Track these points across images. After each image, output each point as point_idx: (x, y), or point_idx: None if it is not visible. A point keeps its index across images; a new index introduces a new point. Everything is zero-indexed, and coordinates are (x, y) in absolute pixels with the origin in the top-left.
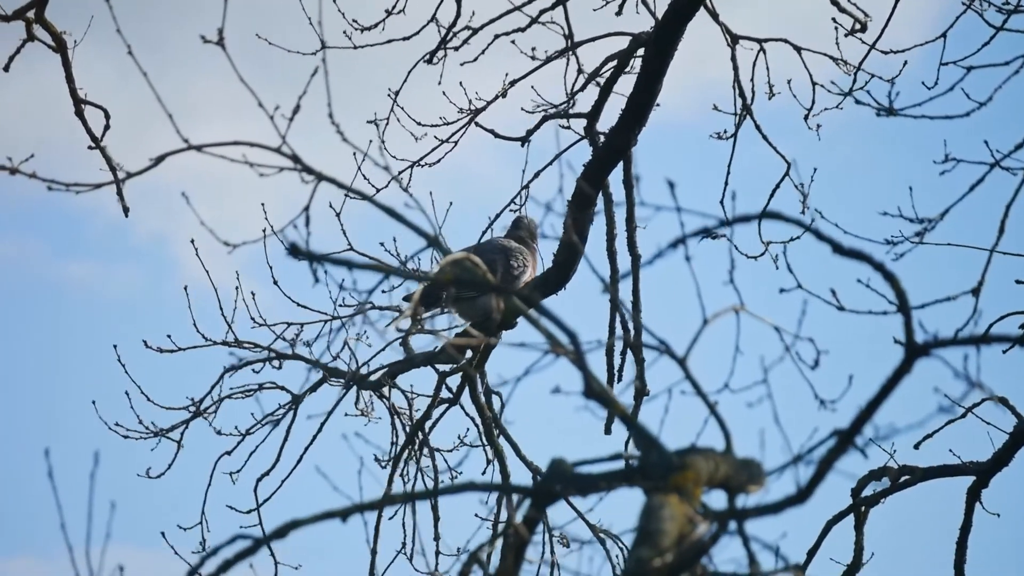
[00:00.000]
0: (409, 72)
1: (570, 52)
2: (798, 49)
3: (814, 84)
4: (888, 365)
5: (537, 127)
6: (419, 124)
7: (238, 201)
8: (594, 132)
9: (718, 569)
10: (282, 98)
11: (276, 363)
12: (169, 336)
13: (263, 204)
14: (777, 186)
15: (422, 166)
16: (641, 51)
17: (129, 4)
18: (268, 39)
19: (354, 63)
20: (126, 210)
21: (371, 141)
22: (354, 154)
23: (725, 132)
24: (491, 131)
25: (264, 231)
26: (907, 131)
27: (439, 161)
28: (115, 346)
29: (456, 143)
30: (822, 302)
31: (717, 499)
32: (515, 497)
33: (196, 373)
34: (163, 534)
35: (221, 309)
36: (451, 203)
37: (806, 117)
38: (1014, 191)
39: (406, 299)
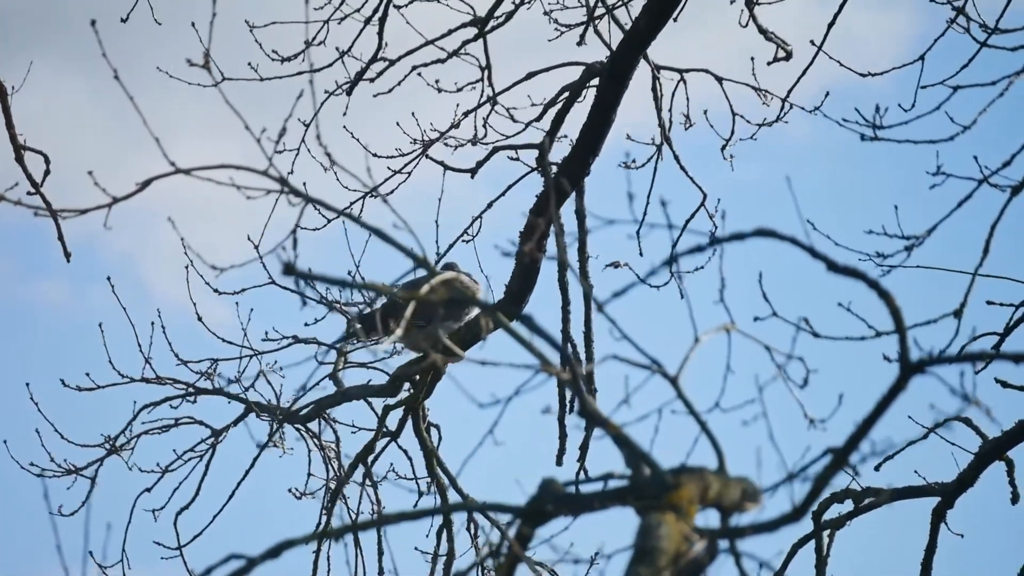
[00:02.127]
0: (321, 104)
1: (484, 81)
2: (719, 79)
3: (734, 114)
4: (882, 382)
5: (487, 158)
6: (374, 155)
7: (200, 223)
8: (546, 163)
9: None
10: (278, 122)
11: (192, 399)
12: (88, 374)
13: (248, 235)
14: (692, 216)
15: (375, 196)
16: (595, 81)
17: (74, 30)
18: (168, 71)
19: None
20: (68, 255)
21: (326, 169)
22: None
23: (634, 161)
24: (440, 163)
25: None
26: (892, 150)
27: (392, 192)
28: (27, 384)
29: (409, 174)
30: (801, 327)
31: (710, 518)
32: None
33: (115, 410)
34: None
35: (139, 345)
36: (437, 224)
37: (723, 148)
38: (1000, 209)
39: (358, 321)
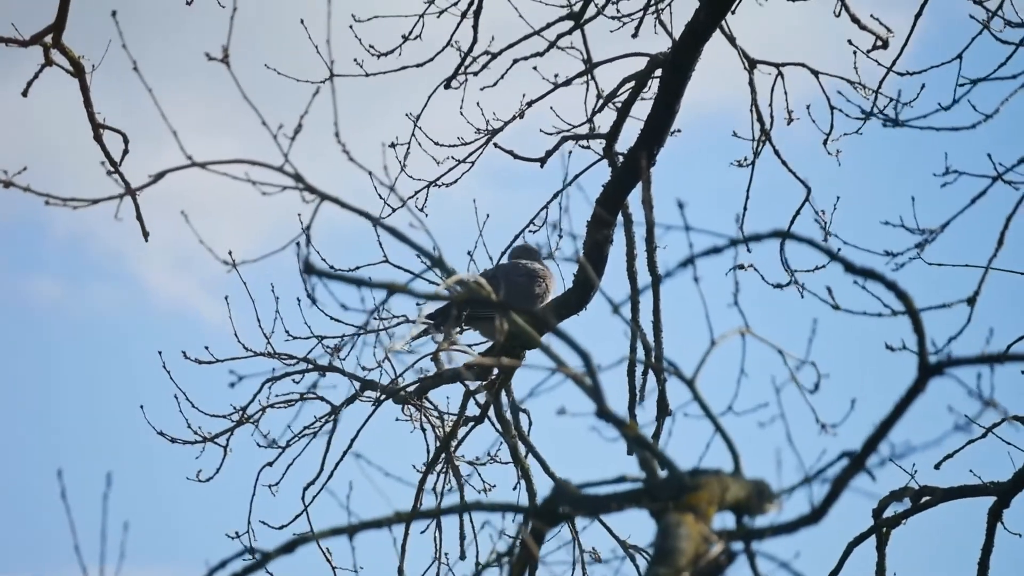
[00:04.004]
0: (429, 97)
1: (589, 75)
2: (815, 73)
3: (832, 108)
4: (901, 384)
5: (556, 148)
6: (436, 144)
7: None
8: (613, 153)
9: None
10: (280, 119)
11: (321, 374)
12: (207, 348)
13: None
14: (798, 212)
15: (439, 186)
16: (658, 72)
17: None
18: (276, 69)
19: (369, 89)
20: (146, 234)
21: (385, 167)
22: (370, 174)
23: (744, 159)
24: (510, 152)
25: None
26: (911, 144)
27: (456, 181)
28: (160, 352)
29: (473, 163)
30: (824, 315)
31: (726, 520)
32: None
33: (223, 390)
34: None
35: (259, 322)
36: (488, 215)
37: (825, 142)
38: (1014, 205)
39: (430, 316)
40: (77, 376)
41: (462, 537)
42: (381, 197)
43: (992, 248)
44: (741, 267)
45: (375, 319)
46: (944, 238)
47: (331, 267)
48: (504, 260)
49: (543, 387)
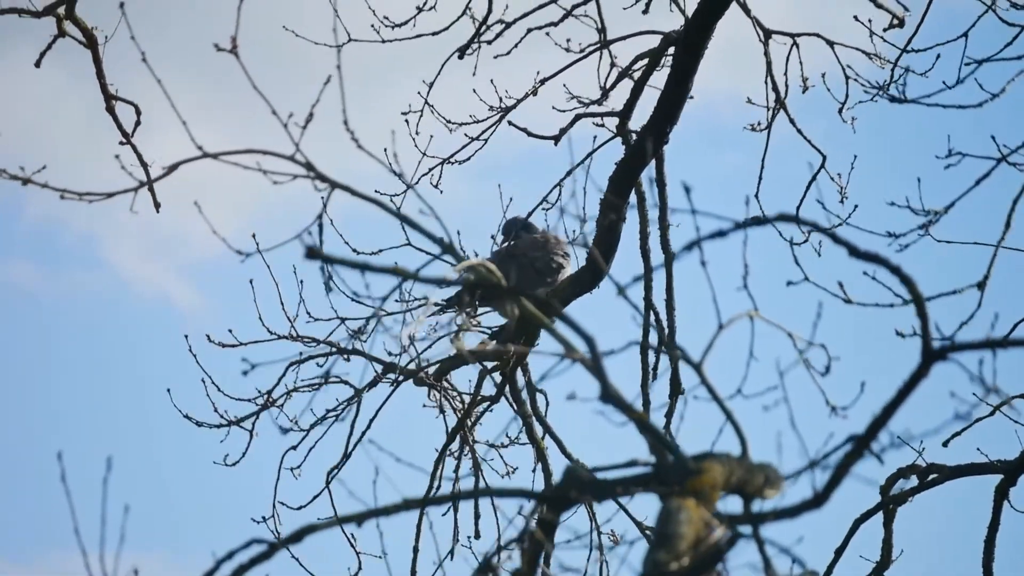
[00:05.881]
0: (443, 64)
1: (603, 47)
2: (831, 44)
3: (847, 78)
4: (904, 365)
5: (570, 125)
6: (448, 122)
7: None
8: (626, 130)
9: (734, 574)
10: (282, 104)
11: (346, 357)
12: (231, 331)
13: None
14: (813, 178)
15: (452, 163)
16: (672, 50)
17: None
18: (294, 30)
19: (381, 61)
20: (157, 205)
21: (385, 149)
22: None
23: (759, 124)
24: (524, 129)
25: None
26: (915, 123)
27: (469, 159)
28: (186, 336)
29: (486, 141)
30: (832, 298)
31: (732, 504)
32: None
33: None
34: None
35: (282, 305)
36: (511, 199)
37: (840, 110)
38: (1021, 186)
39: (448, 299)
40: (66, 360)
41: (476, 516)
42: (398, 176)
43: (997, 230)
44: (759, 220)
45: (395, 300)
46: (948, 220)
47: (353, 250)
48: (499, 235)
49: (555, 371)
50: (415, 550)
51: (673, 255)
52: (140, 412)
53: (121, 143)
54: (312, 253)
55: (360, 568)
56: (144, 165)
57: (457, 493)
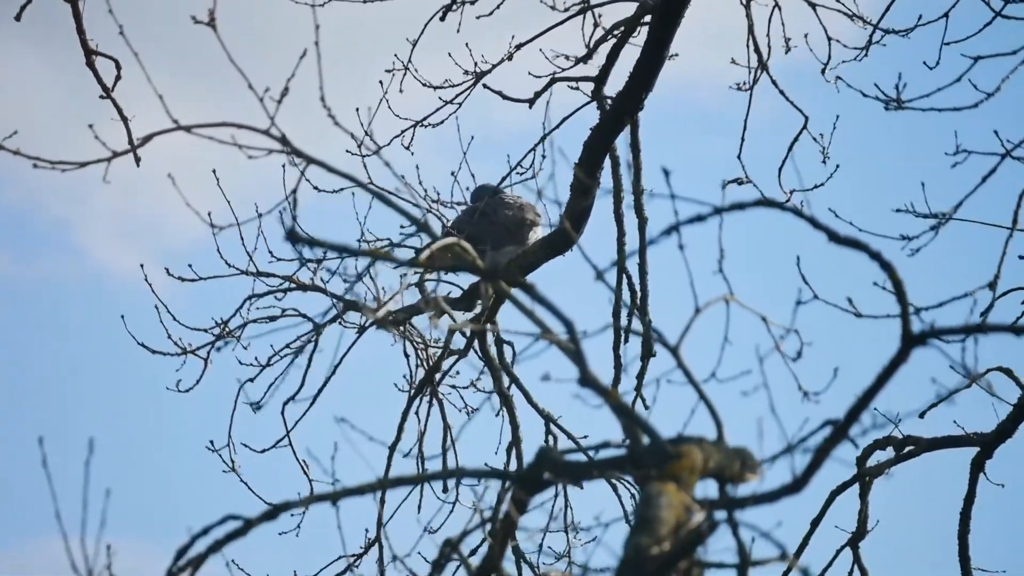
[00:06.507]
0: (426, 24)
1: (587, 8)
2: (812, 5)
3: (829, 39)
4: (886, 353)
5: (545, 89)
6: (424, 85)
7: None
8: (602, 96)
9: (714, 558)
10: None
11: (304, 291)
12: (190, 265)
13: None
14: (795, 139)
15: (425, 126)
16: (648, 17)
17: None
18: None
19: (359, 29)
20: (138, 160)
21: (364, 131)
22: (353, 136)
23: (744, 83)
24: (499, 92)
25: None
26: (914, 124)
27: (442, 122)
28: (141, 265)
29: (460, 104)
30: (815, 283)
31: (709, 488)
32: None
33: (205, 304)
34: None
35: (242, 239)
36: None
37: (823, 71)
38: None
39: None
40: (39, 345)
41: (445, 490)
42: (375, 154)
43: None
44: (739, 181)
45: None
46: (957, 222)
47: (308, 237)
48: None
49: (530, 351)
50: (379, 540)
51: (646, 219)
52: (120, 398)
53: (102, 97)
54: (292, 236)
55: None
56: (124, 119)
57: (430, 474)
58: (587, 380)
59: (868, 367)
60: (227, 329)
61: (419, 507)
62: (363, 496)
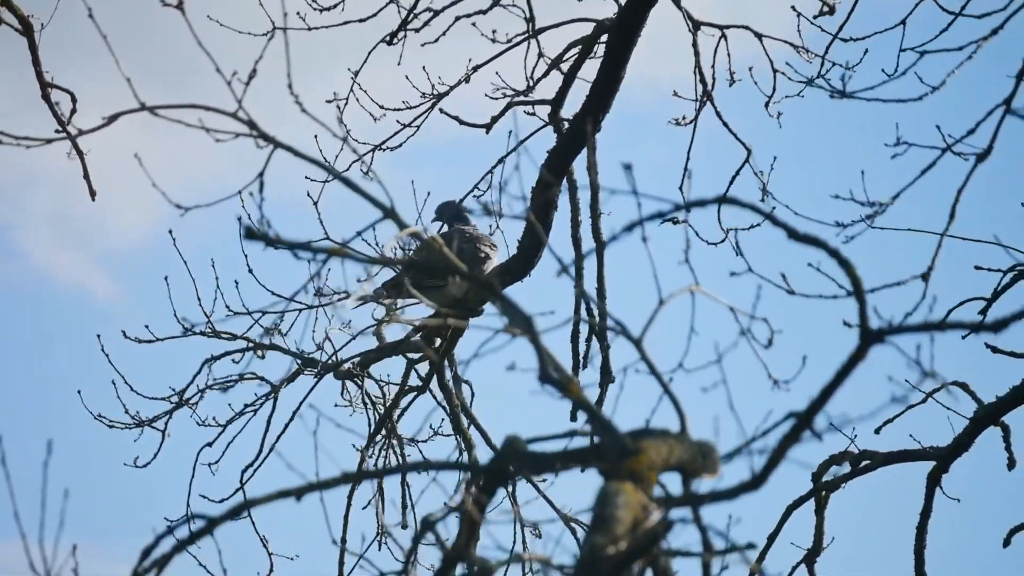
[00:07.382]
0: (369, 53)
1: (531, 37)
2: (759, 36)
3: (775, 71)
4: (844, 349)
5: (502, 114)
6: (381, 107)
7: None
8: (558, 118)
9: (674, 552)
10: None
11: (260, 353)
12: (147, 327)
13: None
14: (737, 172)
15: (383, 150)
16: (604, 37)
17: None
18: (219, 21)
19: (311, 44)
20: (93, 193)
21: (339, 121)
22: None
23: (684, 118)
24: (455, 117)
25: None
26: (859, 115)
27: (400, 146)
28: (98, 336)
29: (418, 127)
30: (774, 286)
31: (672, 480)
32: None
33: (165, 367)
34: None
35: (199, 299)
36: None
37: (767, 104)
38: (965, 176)
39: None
40: None
41: (404, 506)
42: (343, 140)
43: (942, 220)
44: (675, 221)
45: (315, 285)
46: (894, 211)
47: (265, 235)
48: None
49: (488, 349)
50: (343, 540)
51: (605, 243)
52: (55, 408)
53: (57, 131)
54: (251, 233)
55: (272, 570)
56: (80, 155)
57: (393, 467)
58: (546, 376)
59: (833, 358)
60: (183, 398)
61: (382, 506)
62: (328, 491)
